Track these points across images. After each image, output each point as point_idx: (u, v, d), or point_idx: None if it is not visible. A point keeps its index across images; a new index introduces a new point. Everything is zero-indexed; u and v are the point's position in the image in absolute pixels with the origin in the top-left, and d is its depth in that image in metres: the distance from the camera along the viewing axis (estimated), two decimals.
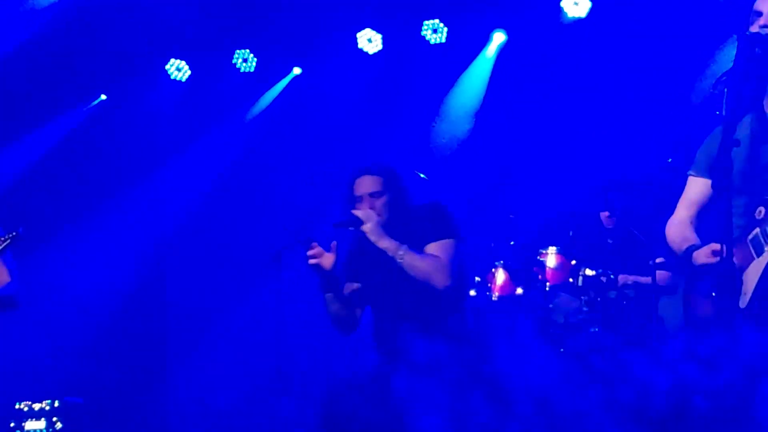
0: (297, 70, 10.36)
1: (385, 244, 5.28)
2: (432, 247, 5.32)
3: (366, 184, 5.49)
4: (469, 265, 5.57)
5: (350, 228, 5.42)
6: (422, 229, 5.38)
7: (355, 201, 5.49)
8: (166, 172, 10.37)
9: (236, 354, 9.89)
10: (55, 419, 8.56)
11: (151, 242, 10.25)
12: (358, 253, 5.59)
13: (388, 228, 5.35)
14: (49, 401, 8.60)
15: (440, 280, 5.25)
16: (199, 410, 9.53)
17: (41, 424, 8.53)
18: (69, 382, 9.15)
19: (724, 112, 4.30)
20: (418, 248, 5.31)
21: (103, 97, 10.46)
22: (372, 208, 5.40)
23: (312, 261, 5.39)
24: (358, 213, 5.36)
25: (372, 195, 5.45)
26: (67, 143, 10.25)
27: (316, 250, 5.39)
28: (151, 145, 10.34)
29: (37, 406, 8.58)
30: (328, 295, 5.51)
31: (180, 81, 10.38)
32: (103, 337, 9.84)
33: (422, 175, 8.19)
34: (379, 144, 9.57)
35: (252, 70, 10.24)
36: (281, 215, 9.83)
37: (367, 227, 5.30)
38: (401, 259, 5.24)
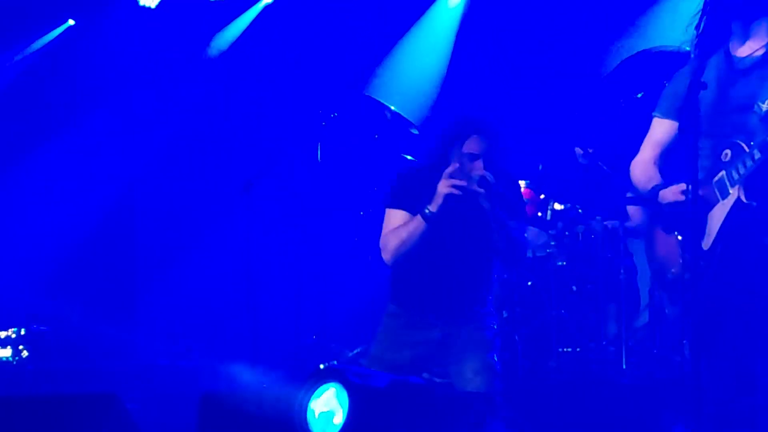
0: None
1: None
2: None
3: (470, 144, 5.20)
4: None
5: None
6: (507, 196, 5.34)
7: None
8: (135, 99, 10.26)
9: (205, 286, 9.88)
10: (21, 347, 8.56)
11: (120, 172, 10.17)
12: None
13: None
14: (15, 329, 8.59)
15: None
16: (167, 341, 9.54)
17: (7, 352, 8.54)
18: (36, 312, 9.14)
19: (692, 54, 4.34)
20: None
21: (71, 22, 10.32)
22: (471, 170, 5.16)
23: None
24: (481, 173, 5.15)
25: (471, 157, 5.18)
26: (34, 67, 10.13)
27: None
28: (119, 72, 10.21)
29: (2, 334, 8.57)
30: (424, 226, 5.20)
31: (149, 8, 10.23)
32: (71, 267, 9.81)
33: (392, 107, 8.16)
34: (351, 78, 9.56)
35: None
36: (251, 146, 9.79)
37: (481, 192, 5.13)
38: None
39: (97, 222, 9.99)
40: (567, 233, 7.96)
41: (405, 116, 8.11)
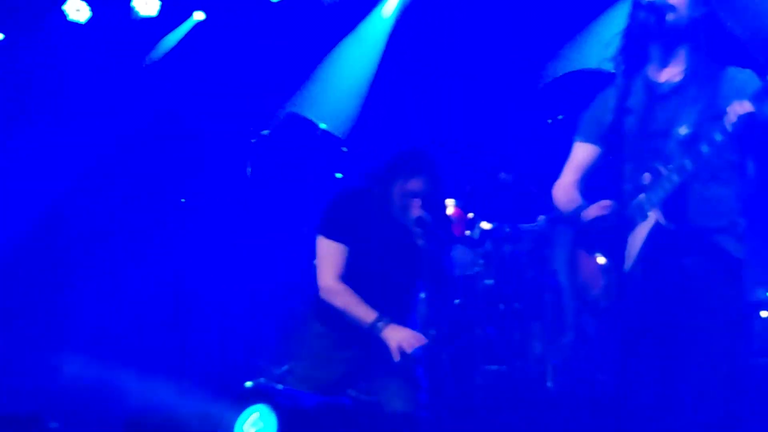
0: (199, 15, 10.21)
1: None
2: None
3: (415, 184, 5.28)
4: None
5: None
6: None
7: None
8: (63, 113, 10.17)
9: (132, 302, 9.81)
10: None
11: (47, 186, 10.06)
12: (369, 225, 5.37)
13: None
14: None
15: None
16: (92, 358, 9.45)
17: None
18: None
19: (617, 79, 4.41)
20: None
21: (1, 36, 10.23)
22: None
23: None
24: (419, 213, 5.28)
25: (416, 195, 5.28)
26: None
27: None
28: (47, 87, 10.12)
29: None
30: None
31: (78, 23, 10.15)
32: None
33: (322, 125, 8.18)
34: (281, 94, 9.55)
35: (154, 14, 10.06)
36: (182, 162, 9.75)
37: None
38: None
39: (23, 236, 9.88)
40: (495, 252, 8.03)
41: (334, 133, 8.13)
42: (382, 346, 5.20)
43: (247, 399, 4.40)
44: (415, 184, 5.24)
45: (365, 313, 5.21)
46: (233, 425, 4.12)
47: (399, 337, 5.12)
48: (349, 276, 5.32)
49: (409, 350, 5.09)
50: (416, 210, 5.21)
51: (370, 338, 5.25)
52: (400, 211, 5.24)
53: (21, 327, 9.45)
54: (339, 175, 7.80)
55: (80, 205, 10.17)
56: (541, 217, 7.68)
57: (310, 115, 8.17)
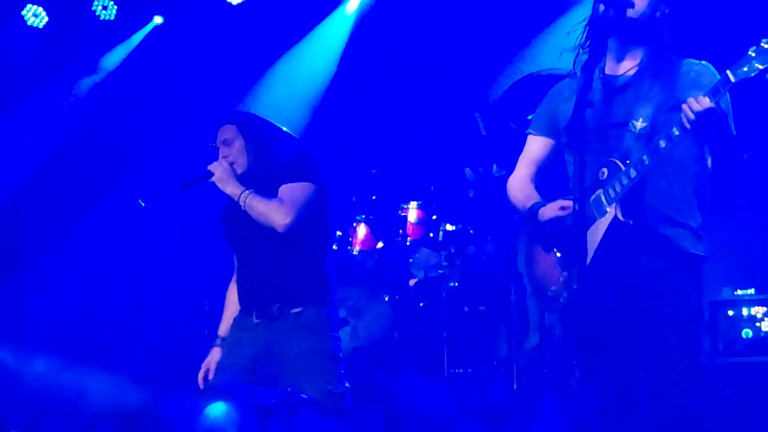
0: (158, 19, 10.14)
1: (230, 189, 5.28)
2: (282, 189, 5.29)
3: (221, 134, 5.49)
4: (330, 214, 5.51)
5: (200, 182, 5.40)
6: (279, 173, 5.36)
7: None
8: (18, 120, 10.05)
9: (93, 301, 9.71)
10: None
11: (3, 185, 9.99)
12: (229, 212, 5.56)
13: (248, 175, 5.37)
14: None
15: (278, 219, 5.19)
16: (54, 363, 9.34)
17: None
18: None
19: (578, 73, 4.38)
20: (274, 192, 5.29)
21: None
22: (225, 156, 5.39)
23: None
24: (211, 166, 5.36)
25: (225, 142, 5.44)
26: None
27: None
28: (4, 91, 10.01)
29: None
30: None
31: (37, 27, 10.04)
32: None
33: (283, 128, 8.10)
34: (241, 98, 9.48)
35: (112, 17, 9.97)
36: (138, 164, 9.67)
37: (216, 176, 5.31)
38: (243, 202, 5.23)
39: None
40: (458, 254, 7.99)
41: (289, 131, 8.09)
42: (273, 328, 5.30)
43: (209, 397, 4.35)
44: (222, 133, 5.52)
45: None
46: (197, 422, 4.07)
47: None
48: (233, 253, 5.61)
49: None
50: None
51: (263, 319, 5.37)
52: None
53: None
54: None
55: (39, 208, 10.06)
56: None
57: (268, 116, 8.09)
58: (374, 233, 8.35)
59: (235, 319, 5.46)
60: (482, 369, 7.58)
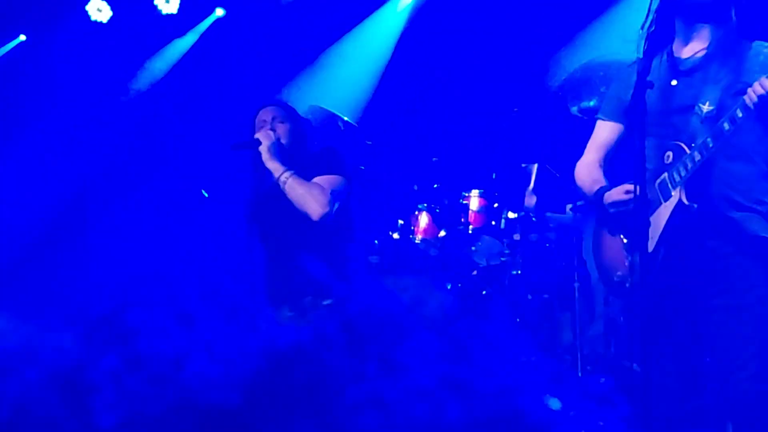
0: (220, 12, 10.21)
1: (274, 165, 5.37)
2: (318, 180, 5.40)
3: (269, 112, 5.63)
4: (357, 210, 5.72)
5: (248, 148, 5.52)
6: (311, 163, 5.46)
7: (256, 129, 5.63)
8: (86, 114, 10.18)
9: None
10: None
11: (73, 183, 10.11)
12: (259, 194, 5.66)
13: (285, 157, 5.44)
14: None
15: (315, 208, 5.30)
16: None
17: None
18: None
19: (640, 55, 4.34)
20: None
21: (23, 37, 10.27)
22: (273, 131, 5.52)
23: None
24: (258, 135, 5.48)
25: (274, 119, 5.57)
26: None
27: None
28: (71, 88, 10.14)
29: None
30: None
31: (101, 22, 10.16)
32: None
33: (346, 118, 8.14)
34: (300, 88, 9.52)
35: (175, 12, 10.06)
36: (200, 160, 9.75)
37: (263, 146, 5.39)
38: (285, 181, 5.32)
39: (43, 233, 9.94)
40: (521, 242, 7.96)
41: (356, 125, 8.11)
42: None
43: None
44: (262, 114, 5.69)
45: None
46: None
47: None
48: None
49: None
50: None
51: None
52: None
53: None
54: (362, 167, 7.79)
55: (94, 203, 10.18)
56: (569, 206, 7.61)
57: (330, 107, 8.12)
58: (436, 222, 8.33)
59: None
60: (546, 357, 7.54)
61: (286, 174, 5.33)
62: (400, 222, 8.32)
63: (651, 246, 4.21)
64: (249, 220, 5.66)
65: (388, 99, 9.61)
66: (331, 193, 5.34)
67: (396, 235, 8.27)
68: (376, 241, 8.30)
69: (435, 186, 8.52)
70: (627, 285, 4.39)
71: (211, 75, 10.08)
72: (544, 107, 8.31)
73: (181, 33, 10.29)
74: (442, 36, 9.40)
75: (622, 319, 7.12)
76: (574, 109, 7.44)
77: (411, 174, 8.70)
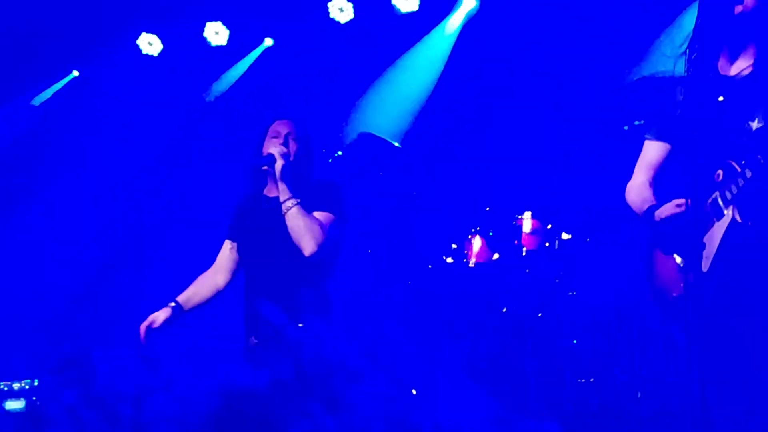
0: (269, 42, 10.27)
1: (283, 186, 5.15)
2: (318, 215, 5.19)
3: (285, 126, 5.40)
4: (343, 252, 5.45)
5: (263, 167, 5.27)
6: (314, 194, 5.24)
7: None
8: (138, 148, 10.28)
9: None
10: (34, 398, 8.50)
11: (125, 216, 10.20)
12: (247, 211, 5.48)
13: (292, 179, 5.22)
14: (28, 381, 8.54)
15: (311, 246, 5.09)
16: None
17: (20, 404, 8.48)
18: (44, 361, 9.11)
19: (685, 73, 4.30)
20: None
21: (76, 73, 10.41)
22: (285, 150, 5.27)
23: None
24: (273, 150, 5.24)
25: (289, 135, 5.34)
26: (41, 116, 10.26)
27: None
28: (124, 121, 10.26)
29: (16, 386, 8.51)
30: None
31: (151, 56, 10.27)
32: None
33: (396, 144, 8.16)
34: (348, 114, 9.55)
35: (224, 43, 10.14)
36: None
37: (278, 164, 5.17)
38: (290, 207, 5.11)
39: (99, 269, 10.02)
40: (576, 263, 7.92)
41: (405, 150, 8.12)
42: None
43: None
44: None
45: None
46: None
47: None
48: None
49: None
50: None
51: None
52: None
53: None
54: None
55: (156, 240, 10.25)
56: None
57: (379, 133, 8.14)
58: (489, 245, 8.31)
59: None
60: (605, 377, 7.47)
61: (293, 201, 5.12)
62: (454, 246, 8.30)
63: (706, 266, 4.17)
64: (231, 234, 5.52)
65: (437, 123, 9.60)
66: (327, 233, 5.16)
67: (449, 260, 8.24)
68: (429, 266, 8.28)
69: (487, 209, 8.49)
70: (682, 305, 4.33)
71: (261, 105, 10.12)
72: (595, 126, 8.27)
73: (231, 64, 10.35)
74: (490, 56, 9.39)
75: (679, 339, 7.05)
76: (625, 128, 7.39)
77: (463, 198, 8.68)
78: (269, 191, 5.35)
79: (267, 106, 10.04)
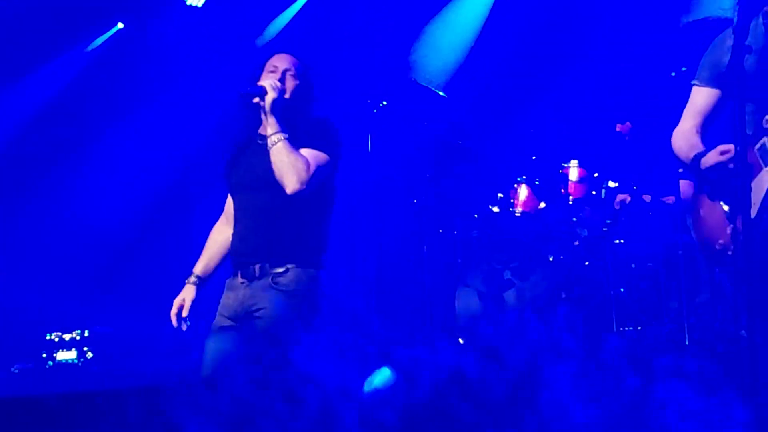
0: None
1: (272, 120, 4.90)
2: (304, 152, 4.95)
3: (283, 61, 5.17)
4: (335, 192, 5.21)
5: (253, 100, 4.98)
6: (305, 132, 5.02)
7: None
8: (184, 101, 10.30)
9: None
10: (85, 349, 8.61)
11: (168, 168, 10.25)
12: (241, 150, 5.24)
13: (283, 116, 4.99)
14: (78, 331, 8.64)
15: (293, 182, 4.87)
16: None
17: (72, 354, 8.60)
18: (96, 313, 9.20)
19: (735, 19, 4.23)
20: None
21: (120, 25, 10.43)
22: (281, 83, 5.04)
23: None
24: (265, 82, 4.99)
25: (287, 71, 5.11)
26: (86, 70, 10.29)
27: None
28: (169, 73, 10.28)
29: (67, 337, 8.63)
30: None
31: (196, 6, 10.26)
32: (122, 268, 9.92)
33: (441, 93, 8.12)
34: (394, 64, 9.52)
35: None
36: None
37: (268, 97, 4.92)
38: (276, 142, 4.88)
39: (148, 219, 10.07)
40: (623, 211, 7.87)
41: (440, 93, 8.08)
42: (252, 288, 5.07)
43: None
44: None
45: None
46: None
47: None
48: None
49: None
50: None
51: (245, 278, 5.14)
52: None
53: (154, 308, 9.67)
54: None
55: (202, 189, 10.25)
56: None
57: (426, 83, 8.09)
58: (536, 194, 8.27)
59: (227, 281, 5.19)
60: (652, 326, 7.44)
61: (280, 135, 4.88)
62: (500, 195, 8.27)
63: (753, 212, 4.12)
64: (227, 178, 5.25)
65: (483, 72, 9.55)
66: (314, 171, 4.90)
67: (496, 209, 8.22)
68: (476, 215, 8.27)
69: (533, 158, 8.44)
70: (729, 253, 4.29)
71: (307, 55, 10.07)
72: (643, 73, 8.19)
73: (275, 14, 10.31)
74: (538, 6, 9.31)
75: (727, 286, 7.00)
76: (673, 74, 7.30)
77: (509, 146, 8.64)
78: (263, 129, 5.05)
79: (313, 55, 10.02)
